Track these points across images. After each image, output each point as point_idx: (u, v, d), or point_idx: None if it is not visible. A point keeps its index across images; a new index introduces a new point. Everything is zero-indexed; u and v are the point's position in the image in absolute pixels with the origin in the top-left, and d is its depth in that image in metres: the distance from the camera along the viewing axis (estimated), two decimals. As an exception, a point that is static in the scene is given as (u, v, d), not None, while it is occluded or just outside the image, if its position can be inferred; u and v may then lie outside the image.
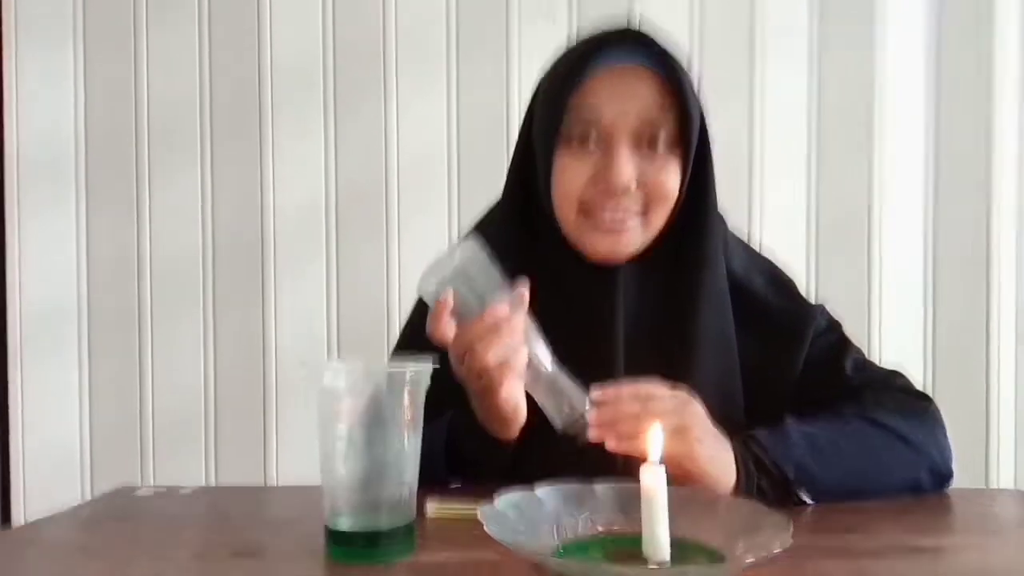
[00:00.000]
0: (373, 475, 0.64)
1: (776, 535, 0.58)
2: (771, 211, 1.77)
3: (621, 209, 0.86)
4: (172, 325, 1.82)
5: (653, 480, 0.59)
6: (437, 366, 0.68)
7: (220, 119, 1.82)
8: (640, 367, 0.82)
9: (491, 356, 0.72)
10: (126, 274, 1.82)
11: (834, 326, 0.99)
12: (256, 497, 0.91)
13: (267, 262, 1.80)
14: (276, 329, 1.79)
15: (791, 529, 0.57)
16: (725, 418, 0.82)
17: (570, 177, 0.87)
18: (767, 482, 0.80)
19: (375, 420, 0.64)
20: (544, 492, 0.68)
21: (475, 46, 1.78)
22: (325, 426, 0.65)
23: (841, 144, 1.77)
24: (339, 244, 1.79)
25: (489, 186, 1.01)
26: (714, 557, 0.60)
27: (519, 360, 0.74)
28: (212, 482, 1.80)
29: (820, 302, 1.00)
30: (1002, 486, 1.67)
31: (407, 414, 0.65)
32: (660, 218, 0.89)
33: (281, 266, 1.80)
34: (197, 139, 1.81)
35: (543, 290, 0.79)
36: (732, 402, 0.92)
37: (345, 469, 0.64)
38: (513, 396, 0.77)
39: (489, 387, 0.76)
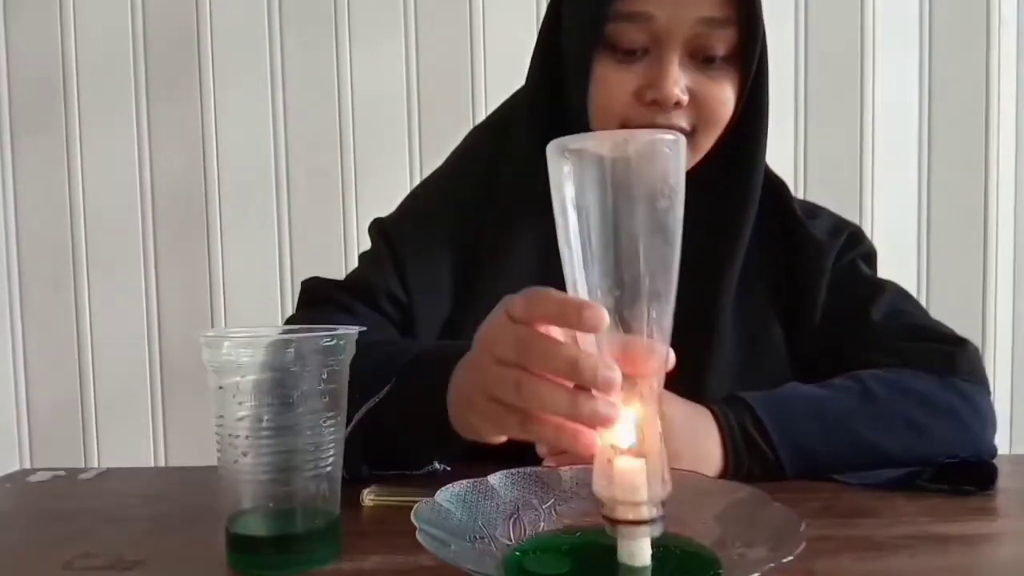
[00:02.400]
0: (283, 466, 0.51)
1: (782, 537, 0.46)
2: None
3: (668, 126, 0.75)
4: (109, 286, 1.67)
5: (629, 466, 0.47)
6: (364, 328, 0.56)
7: (156, 64, 1.65)
8: None
9: (586, 410, 0.46)
10: (57, 232, 1.66)
11: (867, 258, 0.87)
12: (163, 482, 0.78)
13: (212, 218, 1.65)
14: (224, 291, 1.65)
15: (803, 530, 0.46)
16: (757, 365, 0.75)
17: (612, 90, 0.75)
18: (760, 469, 0.69)
19: (285, 399, 0.52)
20: (499, 479, 0.56)
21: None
22: (222, 408, 0.52)
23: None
24: (291, 195, 1.65)
25: (454, 128, 0.91)
26: (705, 563, 0.48)
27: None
28: (161, 458, 1.67)
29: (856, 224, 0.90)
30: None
31: (325, 390, 0.52)
32: (709, 140, 0.77)
33: (228, 222, 1.65)
34: (131, 86, 1.65)
35: None
36: (768, 345, 0.82)
37: (248, 460, 0.51)
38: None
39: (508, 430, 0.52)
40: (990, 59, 1.65)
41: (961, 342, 0.80)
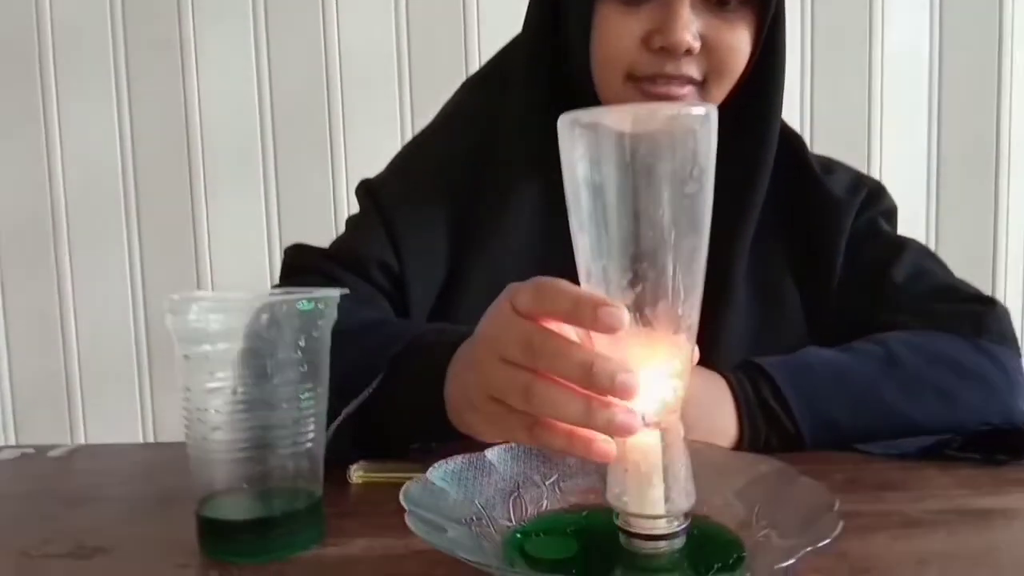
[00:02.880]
0: (258, 443, 0.46)
1: (813, 517, 0.41)
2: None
3: (677, 77, 0.69)
4: (91, 258, 1.61)
5: (644, 440, 0.42)
6: (346, 291, 0.50)
7: (134, 21, 1.57)
8: None
9: (600, 419, 0.40)
10: (36, 202, 1.60)
11: (888, 215, 0.82)
12: (140, 459, 0.73)
13: (195, 184, 1.59)
14: (211, 260, 1.59)
15: (837, 508, 0.41)
16: (772, 330, 0.72)
17: (617, 35, 0.69)
18: (778, 440, 0.64)
19: (259, 369, 0.47)
20: (497, 454, 0.51)
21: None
22: (189, 379, 0.47)
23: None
24: (277, 159, 1.58)
25: (447, 81, 0.85)
26: (726, 546, 0.44)
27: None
28: (150, 434, 1.62)
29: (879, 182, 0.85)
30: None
31: (304, 359, 0.47)
32: (722, 91, 0.71)
33: (213, 187, 1.59)
34: (109, 44, 1.57)
35: None
36: (783, 308, 0.77)
37: (219, 437, 0.46)
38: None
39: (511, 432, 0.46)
40: (1003, 9, 1.59)
41: (990, 302, 0.75)
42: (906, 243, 0.80)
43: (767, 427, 0.64)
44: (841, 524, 0.39)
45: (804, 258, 0.80)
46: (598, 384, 0.39)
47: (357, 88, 1.56)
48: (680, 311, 0.42)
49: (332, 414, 0.58)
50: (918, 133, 1.62)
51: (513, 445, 0.52)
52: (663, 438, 0.42)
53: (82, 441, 1.61)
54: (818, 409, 0.65)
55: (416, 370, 0.58)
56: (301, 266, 0.78)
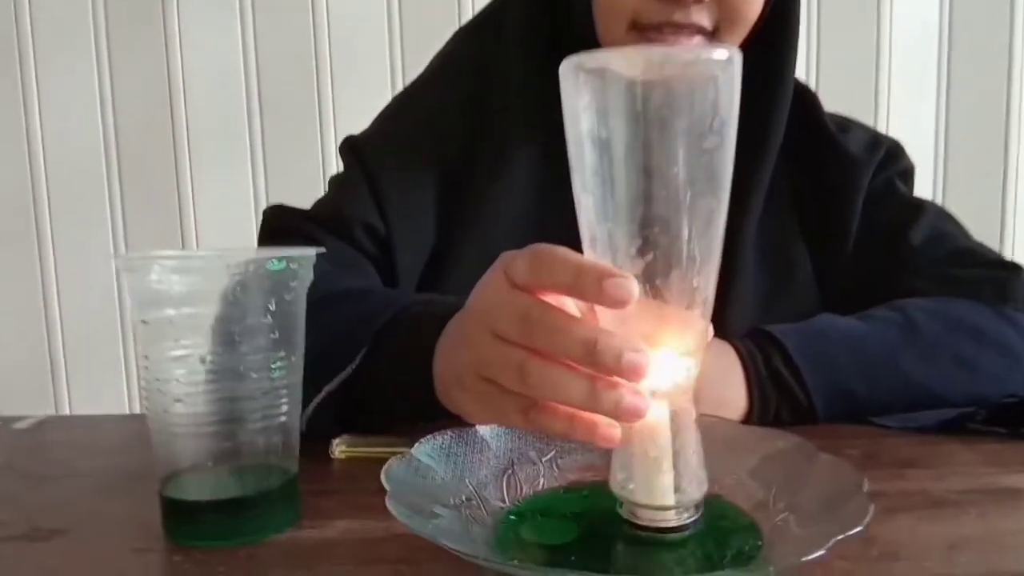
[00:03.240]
0: (225, 417, 0.42)
1: (838, 500, 0.37)
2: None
3: (686, 26, 0.63)
4: (75, 233, 1.55)
5: (653, 424, 0.38)
6: (322, 250, 0.46)
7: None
8: None
9: (607, 401, 0.36)
10: (17, 174, 1.54)
11: (905, 176, 0.78)
12: (112, 432, 0.69)
13: (179, 148, 1.53)
14: (197, 229, 1.54)
15: (866, 490, 0.37)
16: (783, 296, 0.69)
17: None
18: (789, 412, 0.60)
19: (225, 335, 0.42)
20: (489, 429, 0.47)
21: None
22: (148, 347, 0.43)
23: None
24: (264, 120, 1.52)
25: (439, 29, 0.81)
26: (741, 531, 0.40)
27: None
28: (136, 406, 1.58)
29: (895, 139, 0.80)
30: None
31: (275, 325, 0.43)
32: (735, 41, 0.66)
33: (198, 155, 1.53)
34: (89, 14, 1.50)
35: None
36: (794, 274, 0.74)
37: (182, 409, 0.42)
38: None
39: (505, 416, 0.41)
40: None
41: (1013, 268, 0.71)
42: (924, 205, 0.76)
43: (778, 398, 0.60)
44: (872, 508, 0.35)
45: (817, 220, 0.75)
46: (603, 363, 0.35)
47: (345, 43, 1.50)
48: (695, 282, 0.38)
49: (311, 388, 0.54)
50: (927, 95, 1.56)
51: (507, 419, 0.48)
52: (674, 421, 0.38)
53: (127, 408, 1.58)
54: (832, 379, 0.61)
55: (402, 345, 0.54)
56: (280, 228, 0.73)
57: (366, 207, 0.72)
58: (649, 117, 0.35)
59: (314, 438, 0.54)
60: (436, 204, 0.73)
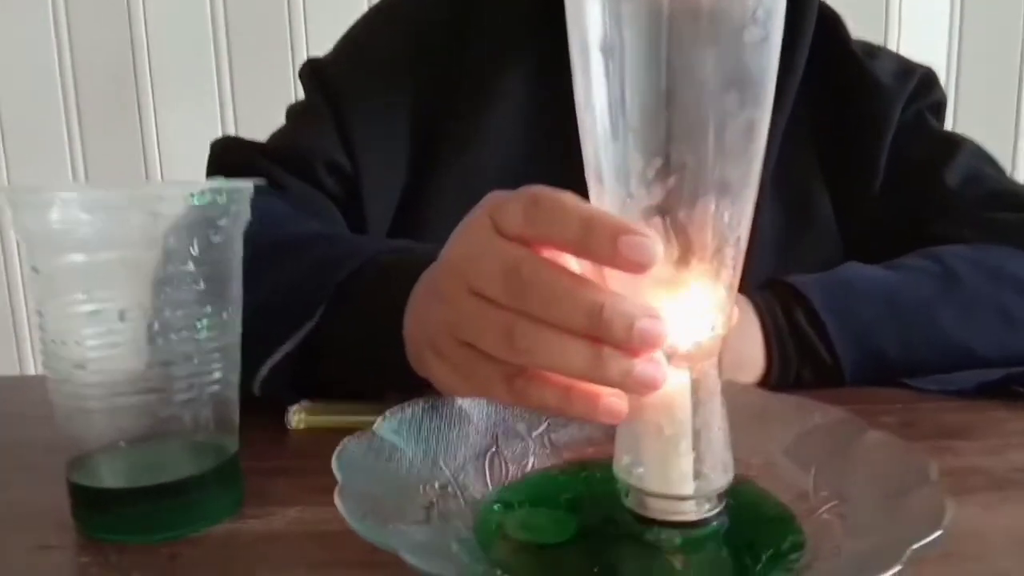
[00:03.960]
0: (146, 387, 0.34)
1: (898, 489, 0.30)
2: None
3: None
4: (32, 171, 1.44)
5: (669, 395, 0.30)
6: (261, 182, 0.37)
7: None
8: None
9: (615, 370, 0.29)
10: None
11: (937, 109, 0.69)
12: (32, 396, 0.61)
13: (141, 80, 1.41)
14: (161, 164, 1.44)
15: (934, 478, 0.30)
16: (801, 242, 0.63)
17: None
18: (812, 373, 0.53)
19: (147, 285, 0.34)
20: (471, 399, 0.40)
21: None
22: (44, 301, 0.34)
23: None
24: (231, 49, 1.41)
25: None
26: (775, 524, 0.32)
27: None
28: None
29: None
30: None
31: (200, 274, 0.34)
32: None
33: (160, 84, 1.42)
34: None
35: None
36: (814, 217, 0.66)
37: (87, 377, 0.34)
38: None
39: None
40: None
41: None
42: (959, 141, 0.68)
43: (799, 358, 0.53)
44: (951, 507, 0.27)
45: (839, 157, 0.67)
46: (610, 334, 0.28)
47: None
48: (727, 216, 0.30)
49: (263, 347, 0.46)
50: (939, 29, 1.47)
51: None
52: (695, 392, 0.31)
53: (31, 372, 1.48)
54: (861, 336, 0.54)
55: (368, 300, 0.46)
56: (232, 164, 0.64)
57: (330, 141, 0.63)
58: (675, 7, 0.27)
59: (267, 404, 0.46)
60: (411, 137, 0.65)
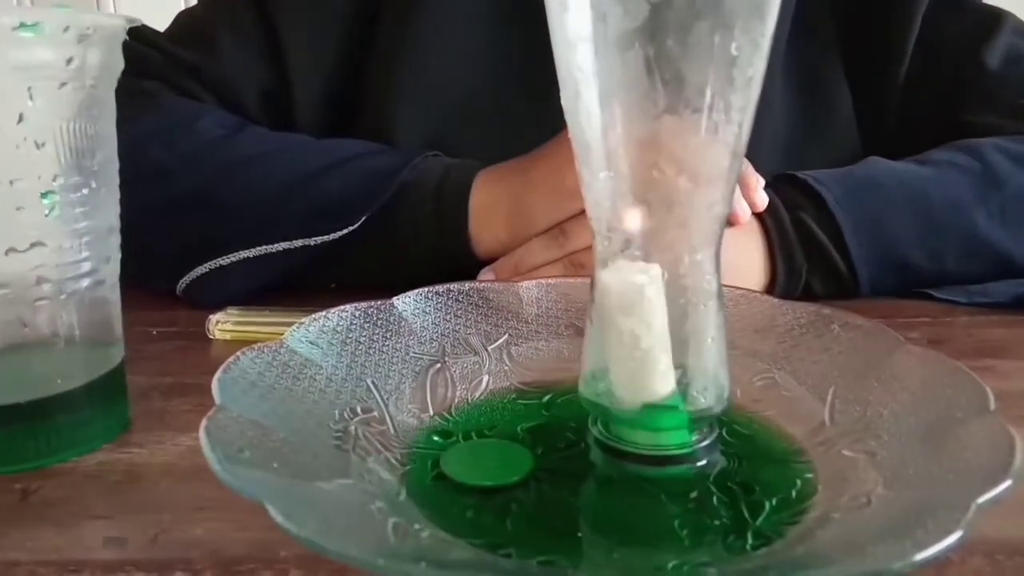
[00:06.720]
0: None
1: (944, 433, 0.23)
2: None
3: None
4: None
5: (643, 280, 0.23)
6: (136, 22, 0.29)
7: None
8: None
9: None
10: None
11: None
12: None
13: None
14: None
15: (998, 417, 0.23)
16: (816, 136, 0.55)
17: None
18: (823, 284, 0.46)
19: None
20: (411, 301, 0.32)
21: None
22: None
23: None
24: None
25: None
26: (789, 463, 0.25)
27: None
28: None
29: None
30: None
31: (70, 129, 0.27)
32: None
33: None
34: None
35: None
36: (831, 108, 0.58)
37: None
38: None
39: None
40: None
41: None
42: (1002, 15, 0.58)
43: (808, 264, 0.46)
44: (1021, 450, 0.20)
45: (860, 40, 0.58)
46: None
47: None
48: (733, 47, 0.22)
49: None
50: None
51: (438, 288, 0.33)
52: (684, 292, 0.24)
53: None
54: (883, 243, 0.46)
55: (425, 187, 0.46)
56: (138, 69, 0.53)
57: (255, 56, 0.54)
58: None
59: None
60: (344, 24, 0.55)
